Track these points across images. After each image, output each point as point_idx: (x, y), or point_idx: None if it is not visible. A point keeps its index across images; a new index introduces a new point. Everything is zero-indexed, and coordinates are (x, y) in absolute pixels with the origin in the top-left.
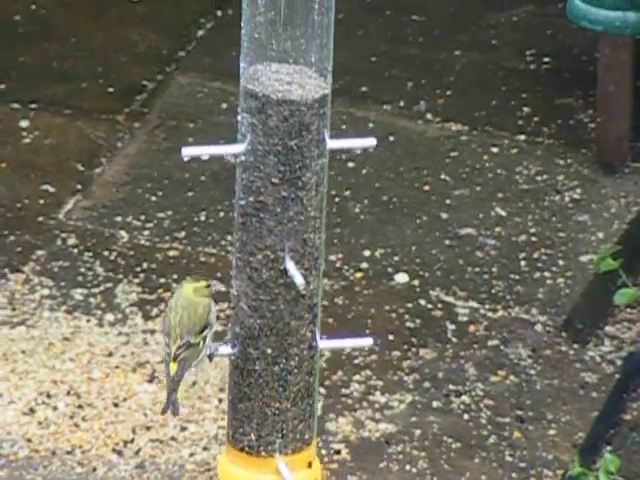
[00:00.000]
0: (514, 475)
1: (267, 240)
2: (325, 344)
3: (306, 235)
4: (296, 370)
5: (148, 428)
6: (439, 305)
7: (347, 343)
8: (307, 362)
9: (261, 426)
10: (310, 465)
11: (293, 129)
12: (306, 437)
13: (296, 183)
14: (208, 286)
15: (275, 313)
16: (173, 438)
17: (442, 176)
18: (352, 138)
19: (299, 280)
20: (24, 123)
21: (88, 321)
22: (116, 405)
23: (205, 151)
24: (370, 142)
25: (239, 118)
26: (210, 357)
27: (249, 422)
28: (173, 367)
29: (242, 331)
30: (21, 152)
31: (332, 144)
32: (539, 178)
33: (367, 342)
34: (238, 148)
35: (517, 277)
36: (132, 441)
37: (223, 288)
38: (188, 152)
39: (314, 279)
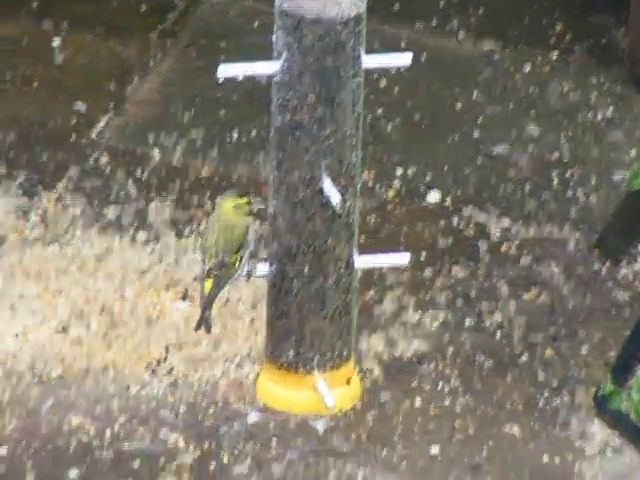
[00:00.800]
0: (546, 393)
1: (303, 159)
2: (362, 261)
3: (342, 153)
4: (333, 288)
5: (181, 346)
6: (471, 223)
7: (384, 260)
8: (344, 280)
9: (299, 344)
10: (349, 382)
11: (328, 48)
12: (344, 354)
13: (332, 102)
14: (249, 203)
15: (312, 231)
16: (206, 356)
17: (475, 94)
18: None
19: (335, 198)
20: (56, 42)
21: (121, 239)
22: (149, 323)
23: (240, 70)
24: (406, 59)
25: (274, 37)
26: (248, 275)
27: (287, 340)
28: (208, 285)
29: (279, 250)
30: (53, 71)
31: (368, 62)
32: (572, 96)
33: (404, 259)
34: (273, 67)
35: (549, 195)
36: (165, 359)
37: (262, 206)
38: (223, 72)
39: (350, 197)
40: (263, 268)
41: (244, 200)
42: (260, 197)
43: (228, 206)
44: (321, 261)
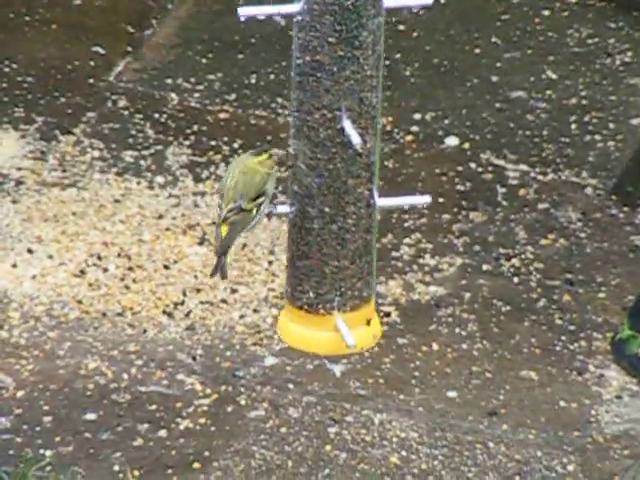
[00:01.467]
0: (563, 338)
1: (324, 99)
2: (383, 202)
3: (363, 94)
4: (354, 228)
5: (198, 290)
6: (489, 168)
7: (404, 201)
8: (365, 220)
9: (320, 284)
10: (369, 322)
11: None
12: (364, 295)
13: (352, 42)
14: (270, 156)
15: (332, 172)
16: (223, 300)
17: (493, 39)
18: None
19: (356, 139)
20: None
21: (138, 183)
22: (166, 267)
23: (262, 11)
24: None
25: None
26: (268, 215)
27: (308, 280)
28: (224, 230)
29: (300, 190)
30: (71, 14)
31: (388, 2)
32: (590, 41)
33: (425, 200)
34: (294, 8)
35: (567, 140)
36: (182, 303)
37: (281, 151)
38: (245, 12)
39: (371, 138)
40: (284, 208)
41: (265, 156)
42: (276, 148)
43: (251, 163)
44: (341, 201)
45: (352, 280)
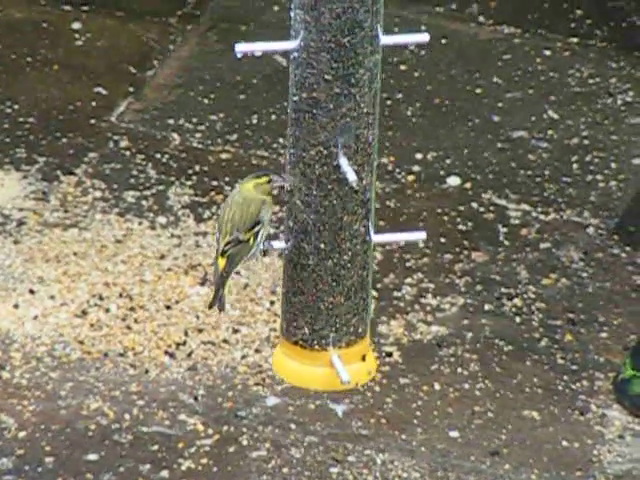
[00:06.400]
0: (566, 378)
1: (320, 136)
2: (378, 238)
3: (359, 131)
4: (349, 265)
5: (200, 330)
6: (491, 208)
7: (400, 237)
8: (360, 257)
9: (315, 320)
10: (364, 358)
11: (346, 26)
12: (359, 331)
13: (349, 79)
14: (269, 181)
15: (328, 208)
16: (225, 340)
17: (494, 79)
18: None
19: (351, 176)
20: (76, 25)
21: (140, 223)
22: (168, 307)
23: (258, 47)
24: (423, 37)
25: (292, 15)
26: (265, 252)
27: (303, 316)
28: (221, 263)
29: (296, 226)
30: (73, 54)
31: (385, 40)
32: (591, 81)
33: (420, 236)
34: (291, 45)
35: (569, 180)
36: (184, 343)
37: (284, 184)
38: (242, 48)
39: (367, 175)
40: (279, 244)
41: (264, 179)
42: (281, 176)
43: (249, 185)
44: (337, 238)
45: (347, 316)
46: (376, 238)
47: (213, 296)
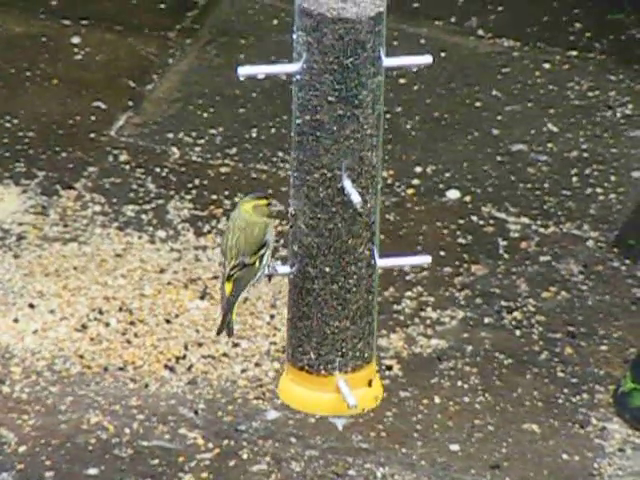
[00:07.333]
0: (566, 391)
1: (324, 159)
2: (383, 262)
3: (363, 153)
4: (355, 288)
5: (200, 344)
6: (491, 221)
7: (405, 261)
8: (366, 280)
9: (320, 345)
10: (370, 383)
11: (348, 47)
12: (366, 355)
13: (352, 101)
14: (268, 204)
15: (333, 231)
16: (225, 354)
17: (493, 92)
18: (406, 55)
19: (356, 198)
20: (75, 39)
21: (140, 237)
22: (168, 321)
23: (261, 70)
24: (426, 60)
25: (294, 37)
26: (269, 277)
27: (308, 341)
28: (228, 287)
29: (300, 250)
30: (72, 69)
31: (388, 62)
32: (591, 94)
33: (425, 260)
34: (294, 67)
35: (569, 193)
36: (184, 357)
37: (282, 207)
38: (244, 72)
39: (371, 197)
40: (284, 269)
41: (263, 202)
42: (276, 200)
43: (248, 207)
44: (342, 261)
45: (353, 341)
46: (381, 262)
47: (221, 321)
